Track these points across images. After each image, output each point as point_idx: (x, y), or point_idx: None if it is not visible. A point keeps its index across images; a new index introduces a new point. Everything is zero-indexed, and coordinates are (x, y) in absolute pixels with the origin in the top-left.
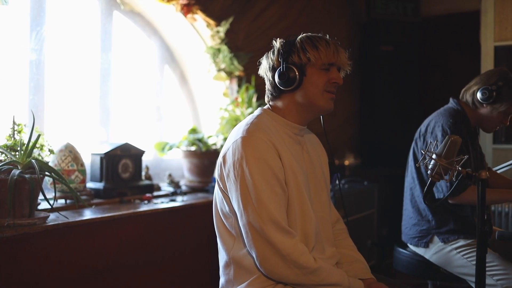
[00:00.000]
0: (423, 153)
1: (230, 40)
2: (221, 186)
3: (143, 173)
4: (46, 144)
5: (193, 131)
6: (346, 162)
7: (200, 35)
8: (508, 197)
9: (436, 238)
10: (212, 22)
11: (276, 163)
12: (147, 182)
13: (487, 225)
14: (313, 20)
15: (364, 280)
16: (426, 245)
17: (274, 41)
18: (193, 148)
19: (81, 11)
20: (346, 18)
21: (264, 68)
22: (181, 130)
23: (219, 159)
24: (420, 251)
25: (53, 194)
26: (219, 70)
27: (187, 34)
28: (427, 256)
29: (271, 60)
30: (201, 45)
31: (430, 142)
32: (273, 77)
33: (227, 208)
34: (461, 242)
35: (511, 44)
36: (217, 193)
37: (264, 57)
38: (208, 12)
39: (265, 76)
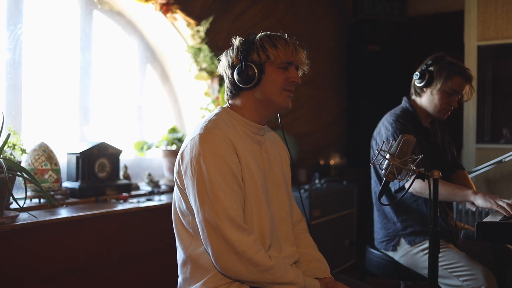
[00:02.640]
0: (377, 152)
1: (210, 39)
2: (179, 183)
3: (121, 173)
4: (19, 143)
5: (173, 130)
6: (332, 162)
7: (181, 34)
8: (457, 194)
9: (402, 241)
10: (192, 21)
11: (233, 159)
12: (124, 181)
13: (446, 224)
14: (299, 19)
15: (321, 279)
16: (394, 248)
17: (233, 39)
18: (173, 148)
19: (60, 10)
20: (333, 17)
21: (224, 65)
22: (163, 130)
23: (178, 157)
24: (389, 253)
25: (30, 193)
26: (200, 69)
27: (168, 33)
28: (396, 258)
29: (231, 57)
30: (182, 44)
31: (384, 141)
32: (232, 74)
33: (184, 206)
34: (427, 244)
35: (494, 43)
36: (175, 192)
37: (224, 54)
38: (188, 11)
39: (224, 74)
